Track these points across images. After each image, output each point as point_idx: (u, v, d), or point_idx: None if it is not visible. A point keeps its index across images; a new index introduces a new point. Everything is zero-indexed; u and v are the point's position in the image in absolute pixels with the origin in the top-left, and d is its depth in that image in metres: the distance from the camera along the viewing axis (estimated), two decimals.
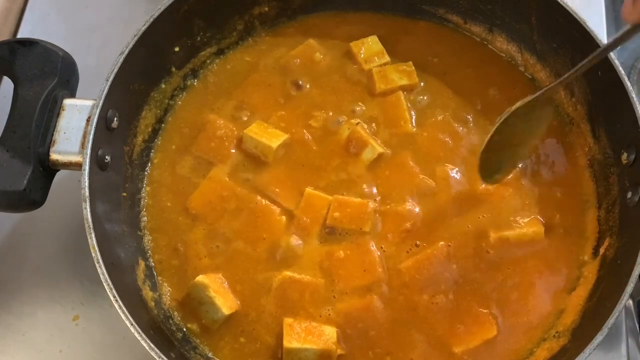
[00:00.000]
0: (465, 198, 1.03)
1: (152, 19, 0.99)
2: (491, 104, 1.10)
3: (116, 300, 0.84)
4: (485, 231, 1.00)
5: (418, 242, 0.99)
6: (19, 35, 1.27)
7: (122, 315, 0.83)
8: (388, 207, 1.01)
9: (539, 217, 1.01)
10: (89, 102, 0.94)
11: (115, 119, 0.96)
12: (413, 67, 1.11)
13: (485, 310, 0.95)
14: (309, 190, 1.02)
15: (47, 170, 0.94)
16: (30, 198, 0.91)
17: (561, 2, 1.01)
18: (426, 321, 0.95)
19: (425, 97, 1.10)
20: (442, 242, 0.99)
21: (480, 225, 1.01)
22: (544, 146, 1.07)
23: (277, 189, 1.03)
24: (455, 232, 1.00)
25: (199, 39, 1.11)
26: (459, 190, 1.03)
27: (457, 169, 1.04)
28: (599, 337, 0.83)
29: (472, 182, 1.03)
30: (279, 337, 0.93)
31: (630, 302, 1.09)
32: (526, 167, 1.05)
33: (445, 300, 0.96)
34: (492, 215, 1.01)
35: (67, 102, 0.95)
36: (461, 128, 1.08)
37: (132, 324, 0.83)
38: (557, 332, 0.95)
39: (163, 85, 1.08)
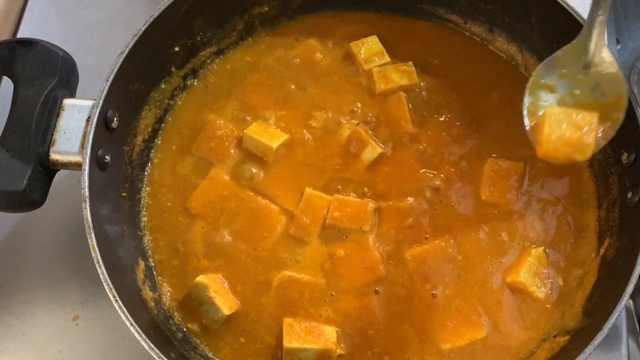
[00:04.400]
0: (463, 197, 1.03)
1: (152, 19, 0.99)
2: (491, 104, 1.09)
3: (116, 301, 0.84)
4: (487, 230, 1.00)
5: (422, 238, 0.99)
6: (19, 35, 1.27)
7: (122, 316, 0.83)
8: (390, 203, 1.01)
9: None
10: (89, 102, 0.94)
11: (115, 119, 0.96)
12: (413, 67, 1.11)
13: (479, 309, 0.95)
14: (309, 190, 1.02)
15: (47, 170, 0.93)
16: (30, 198, 0.91)
17: (561, 2, 1.01)
18: (417, 312, 0.95)
19: (425, 97, 1.10)
20: (448, 234, 0.99)
21: (482, 223, 1.01)
22: None
23: (277, 189, 1.03)
24: (461, 227, 1.00)
25: (199, 39, 1.11)
26: (458, 189, 1.03)
27: (460, 167, 1.04)
28: (599, 337, 0.83)
29: (473, 178, 1.03)
30: (279, 337, 0.93)
31: (631, 302, 1.09)
32: (526, 167, 1.05)
33: (443, 291, 0.96)
34: (494, 213, 1.01)
35: (67, 102, 0.95)
36: (464, 128, 1.07)
37: (132, 324, 0.83)
38: (557, 333, 0.95)
39: (163, 85, 1.08)
